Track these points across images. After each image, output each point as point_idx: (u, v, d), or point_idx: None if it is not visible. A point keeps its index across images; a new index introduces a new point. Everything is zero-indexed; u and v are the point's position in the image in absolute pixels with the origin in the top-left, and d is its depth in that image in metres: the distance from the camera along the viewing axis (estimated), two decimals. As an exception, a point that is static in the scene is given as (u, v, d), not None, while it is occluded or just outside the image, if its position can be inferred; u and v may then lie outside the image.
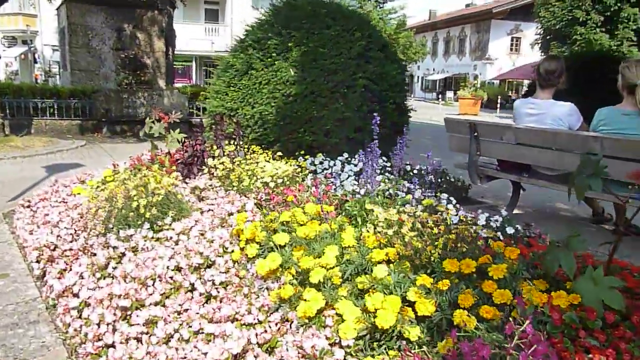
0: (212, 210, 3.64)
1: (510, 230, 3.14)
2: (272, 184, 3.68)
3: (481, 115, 29.50)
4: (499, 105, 32.96)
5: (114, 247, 3.18)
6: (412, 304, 2.07)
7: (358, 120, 5.47)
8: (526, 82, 44.71)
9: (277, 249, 2.66)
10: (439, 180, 5.24)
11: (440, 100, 39.67)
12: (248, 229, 2.80)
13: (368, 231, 2.76)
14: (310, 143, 5.34)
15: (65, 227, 3.72)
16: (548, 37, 31.64)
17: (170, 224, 3.32)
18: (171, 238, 3.13)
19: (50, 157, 9.03)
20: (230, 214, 3.42)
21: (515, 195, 4.96)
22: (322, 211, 2.97)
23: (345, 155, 5.31)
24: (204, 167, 4.53)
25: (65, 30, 13.68)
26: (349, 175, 4.53)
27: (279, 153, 5.18)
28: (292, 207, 3.25)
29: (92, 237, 3.41)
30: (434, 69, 51.59)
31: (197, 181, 4.20)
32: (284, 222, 2.92)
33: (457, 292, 2.07)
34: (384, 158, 5.36)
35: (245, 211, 3.41)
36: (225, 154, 4.44)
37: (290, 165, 4.17)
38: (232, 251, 2.90)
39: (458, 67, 48.39)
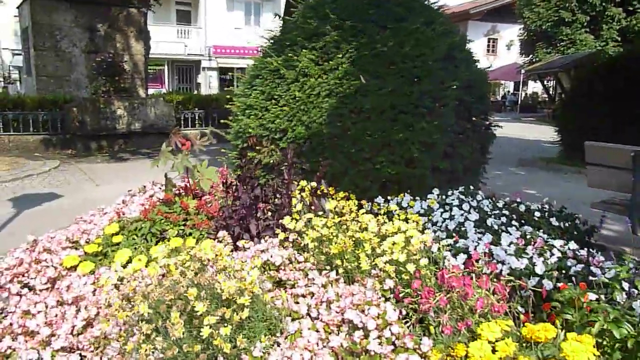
0: (317, 315, 2.19)
1: None
2: (411, 267, 2.25)
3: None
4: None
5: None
6: None
7: (445, 143, 4.09)
8: (504, 82, 44.70)
9: None
10: (567, 224, 3.90)
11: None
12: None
13: None
14: (388, 176, 3.93)
15: (62, 348, 2.21)
16: (533, 39, 31.05)
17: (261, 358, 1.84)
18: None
19: (17, 184, 7.32)
20: (366, 332, 1.97)
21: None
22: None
23: (436, 192, 3.93)
24: (268, 222, 3.03)
25: (29, 31, 11.89)
26: (482, 235, 3.11)
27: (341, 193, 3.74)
28: (485, 324, 1.83)
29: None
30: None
31: (265, 250, 2.72)
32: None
33: None
34: (482, 197, 4.01)
35: (390, 325, 1.97)
36: (304, 204, 2.95)
37: (413, 221, 2.73)
38: None
39: (436, 69, 47.61)
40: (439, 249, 2.51)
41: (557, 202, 4.22)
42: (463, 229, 3.19)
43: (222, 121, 4.88)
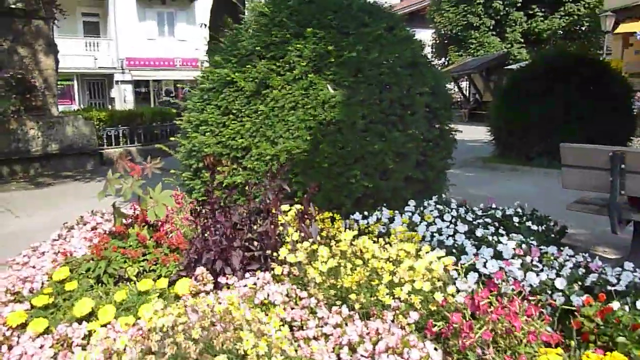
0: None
1: None
2: (438, 296, 2.02)
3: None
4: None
5: None
6: None
7: (417, 152, 3.95)
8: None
9: None
10: (543, 227, 3.87)
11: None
12: None
13: None
14: (363, 190, 3.71)
15: None
16: (445, 42, 32.38)
17: None
18: None
19: None
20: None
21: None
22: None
23: (412, 203, 3.76)
24: (252, 253, 2.68)
25: None
26: (477, 249, 2.94)
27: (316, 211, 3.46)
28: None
29: None
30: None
31: (259, 287, 2.38)
32: None
33: None
34: (456, 205, 3.91)
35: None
36: (300, 235, 2.63)
37: (415, 244, 2.50)
38: None
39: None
40: (456, 270, 2.31)
41: (507, 202, 4.22)
42: (458, 243, 3.02)
43: (172, 138, 4.43)
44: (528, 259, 2.80)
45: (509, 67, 26.17)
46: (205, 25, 10.66)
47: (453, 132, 4.66)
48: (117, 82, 30.04)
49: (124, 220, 3.74)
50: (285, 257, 2.40)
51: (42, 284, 3.07)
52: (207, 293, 2.59)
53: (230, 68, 3.93)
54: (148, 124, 11.53)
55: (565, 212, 3.82)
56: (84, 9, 29.83)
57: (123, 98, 29.66)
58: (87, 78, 30.41)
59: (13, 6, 11.38)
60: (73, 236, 4.08)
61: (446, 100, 4.30)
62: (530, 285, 2.35)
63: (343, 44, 3.74)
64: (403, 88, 3.84)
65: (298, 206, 2.85)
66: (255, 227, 2.98)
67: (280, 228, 2.79)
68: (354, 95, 3.67)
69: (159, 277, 3.08)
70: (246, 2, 11.15)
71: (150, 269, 3.27)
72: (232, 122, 3.86)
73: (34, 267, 3.45)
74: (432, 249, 2.91)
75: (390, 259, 2.35)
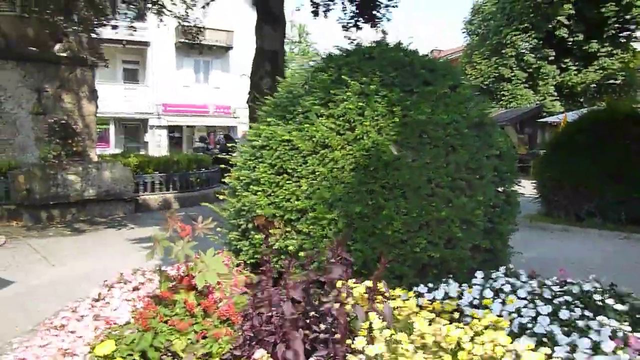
0: None
1: None
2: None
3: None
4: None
5: None
6: None
7: (485, 220, 3.66)
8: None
9: None
10: (627, 305, 3.49)
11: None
12: None
13: None
14: (427, 260, 3.41)
15: None
16: (476, 93, 32.31)
17: None
18: None
19: (-44, 269, 6.26)
20: None
21: None
22: None
23: (480, 275, 3.44)
24: (316, 335, 2.40)
25: (-31, 91, 10.89)
26: (568, 337, 2.59)
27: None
28: None
29: None
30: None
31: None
32: None
33: None
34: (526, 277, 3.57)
35: None
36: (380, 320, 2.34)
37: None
38: None
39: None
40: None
41: (569, 269, 3.89)
42: (546, 329, 2.68)
43: (221, 197, 4.24)
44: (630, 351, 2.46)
45: (543, 119, 25.92)
46: (246, 75, 10.74)
47: (518, 195, 4.36)
48: (151, 126, 30.69)
49: (169, 284, 3.50)
50: (363, 348, 2.11)
51: (85, 357, 2.84)
52: (267, 381, 2.31)
53: (284, 125, 3.76)
54: (184, 171, 11.51)
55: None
56: (124, 56, 30.90)
57: (157, 143, 30.19)
58: (123, 122, 31.17)
59: (61, 54, 11.72)
60: (113, 296, 3.86)
61: (513, 162, 4.03)
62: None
63: (407, 103, 3.53)
64: (470, 150, 3.59)
65: (367, 282, 2.58)
66: (315, 302, 2.71)
67: (348, 307, 2.51)
68: (418, 158, 3.44)
69: (209, 354, 2.82)
70: (286, 52, 11.27)
71: (196, 341, 3.01)
72: (287, 182, 3.65)
73: (73, 332, 3.23)
74: (519, 336, 2.59)
75: (485, 356, 2.04)
